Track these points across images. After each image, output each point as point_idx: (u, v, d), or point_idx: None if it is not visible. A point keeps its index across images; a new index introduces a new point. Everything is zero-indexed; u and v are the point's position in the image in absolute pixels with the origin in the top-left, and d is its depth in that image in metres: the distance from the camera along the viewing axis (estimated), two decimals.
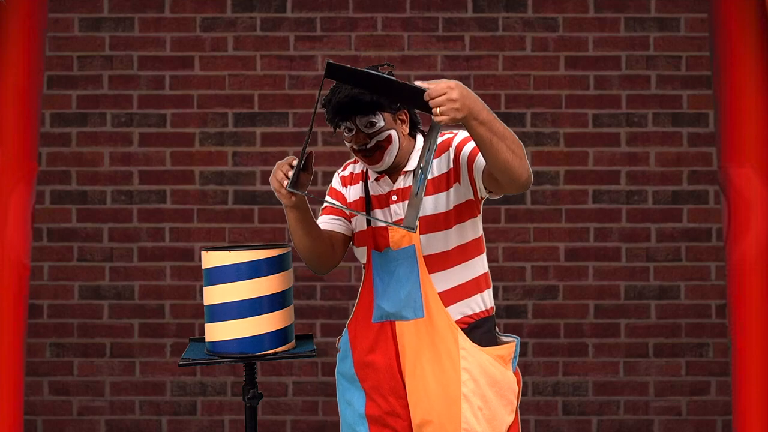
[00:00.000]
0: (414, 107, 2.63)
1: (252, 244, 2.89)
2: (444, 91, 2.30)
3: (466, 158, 2.61)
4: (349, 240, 2.82)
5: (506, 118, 4.84)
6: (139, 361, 4.82)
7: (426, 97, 2.31)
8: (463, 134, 2.65)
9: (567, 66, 4.84)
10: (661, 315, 4.82)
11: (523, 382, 4.80)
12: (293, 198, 2.55)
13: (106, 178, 4.83)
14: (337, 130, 2.67)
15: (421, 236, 2.63)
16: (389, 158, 2.64)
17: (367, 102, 2.56)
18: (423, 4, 4.84)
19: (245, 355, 2.71)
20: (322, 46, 4.83)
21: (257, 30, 4.84)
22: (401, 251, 2.65)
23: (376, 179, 2.74)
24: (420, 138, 2.73)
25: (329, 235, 2.76)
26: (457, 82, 2.33)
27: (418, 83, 2.33)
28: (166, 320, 4.82)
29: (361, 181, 2.78)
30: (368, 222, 2.72)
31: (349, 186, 2.82)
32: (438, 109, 2.31)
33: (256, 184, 4.82)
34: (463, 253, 2.64)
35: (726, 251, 3.55)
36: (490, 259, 4.79)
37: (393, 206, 2.69)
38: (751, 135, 3.44)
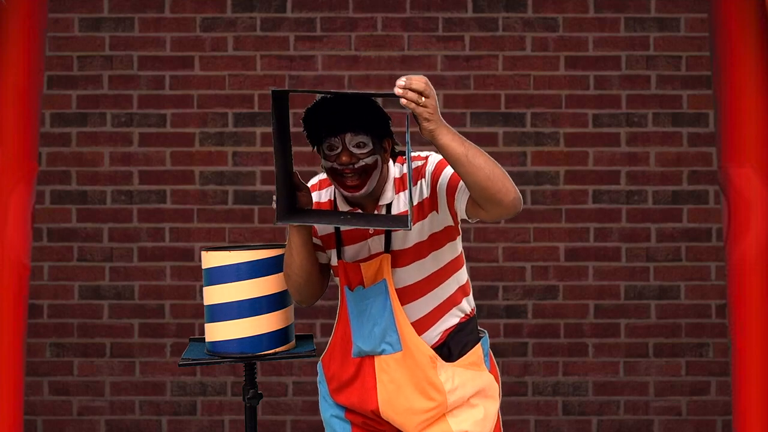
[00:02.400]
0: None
1: (252, 244, 2.90)
2: (419, 91, 2.19)
3: (445, 186, 2.47)
4: (328, 270, 2.72)
5: (506, 118, 4.87)
6: (139, 361, 4.82)
7: (400, 93, 2.18)
8: (434, 159, 2.50)
9: (567, 66, 4.84)
10: (661, 315, 4.82)
11: (523, 382, 4.83)
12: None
13: (106, 178, 4.83)
14: (316, 147, 2.49)
15: (394, 269, 2.52)
16: (371, 185, 2.46)
17: (362, 120, 2.40)
18: (423, 4, 4.84)
19: (245, 355, 2.71)
20: (322, 46, 4.82)
21: (257, 30, 4.84)
22: (372, 288, 2.55)
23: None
24: (392, 167, 2.55)
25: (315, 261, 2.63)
26: (434, 109, 2.22)
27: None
28: (166, 320, 4.82)
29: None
30: (338, 255, 2.59)
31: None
32: (415, 107, 2.19)
33: (256, 184, 4.82)
34: (437, 278, 2.57)
35: (726, 251, 3.55)
36: (490, 259, 4.81)
37: (370, 240, 2.57)
38: (751, 135, 3.44)
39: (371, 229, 2.53)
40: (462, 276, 2.65)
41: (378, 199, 2.54)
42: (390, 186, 2.54)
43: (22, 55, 3.41)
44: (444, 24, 4.84)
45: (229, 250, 2.72)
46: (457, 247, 2.62)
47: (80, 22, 4.83)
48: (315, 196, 2.64)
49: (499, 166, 2.31)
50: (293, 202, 2.47)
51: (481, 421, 2.62)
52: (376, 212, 2.55)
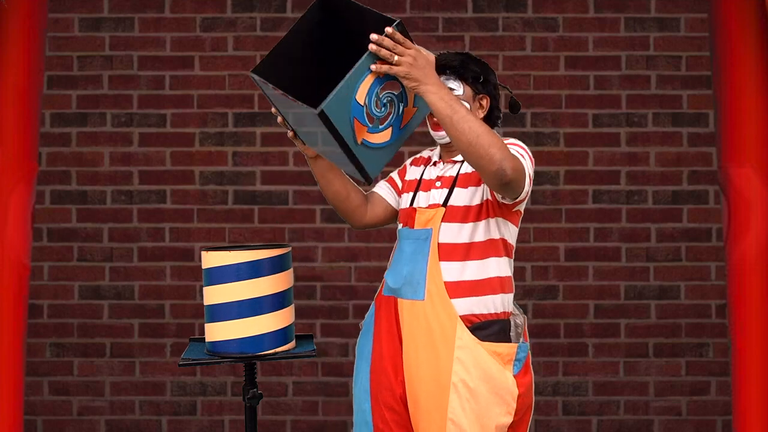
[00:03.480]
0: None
1: (252, 244, 2.90)
2: (407, 51, 2.35)
3: None
4: (392, 210, 2.88)
5: (506, 118, 4.86)
6: (139, 361, 4.82)
7: (382, 42, 2.33)
8: (512, 141, 2.64)
9: (567, 66, 4.84)
10: (661, 315, 4.82)
11: None
12: (308, 151, 2.71)
13: (106, 178, 4.83)
14: None
15: (442, 224, 2.65)
16: None
17: (459, 63, 2.64)
18: (423, 4, 4.84)
19: (245, 355, 2.71)
20: None
21: (257, 30, 4.84)
22: (416, 231, 2.68)
23: (434, 164, 2.79)
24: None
25: (372, 196, 2.88)
26: (412, 60, 2.35)
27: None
28: (166, 320, 4.82)
29: (423, 165, 2.84)
30: (411, 201, 2.76)
31: (414, 166, 2.87)
32: (394, 57, 2.33)
33: (256, 184, 4.83)
34: (477, 251, 2.64)
35: (726, 251, 3.55)
36: None
37: (433, 191, 2.72)
38: (751, 135, 3.44)
39: (438, 182, 2.71)
40: (503, 267, 2.68)
41: (456, 154, 2.71)
42: None
43: (22, 55, 3.41)
44: (444, 24, 4.84)
45: (229, 250, 2.72)
46: (501, 229, 2.67)
47: (80, 22, 4.83)
48: (428, 152, 2.88)
49: (492, 136, 2.38)
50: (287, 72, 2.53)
51: (471, 413, 2.60)
52: (449, 165, 2.73)
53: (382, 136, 2.51)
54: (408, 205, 2.76)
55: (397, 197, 2.89)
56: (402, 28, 2.39)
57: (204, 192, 4.83)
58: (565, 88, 4.84)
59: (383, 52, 2.34)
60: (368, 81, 2.41)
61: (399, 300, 2.70)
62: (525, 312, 4.84)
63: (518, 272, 4.84)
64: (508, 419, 2.64)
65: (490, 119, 2.75)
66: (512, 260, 2.74)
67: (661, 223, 4.83)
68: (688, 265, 4.83)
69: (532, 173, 2.59)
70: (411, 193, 2.78)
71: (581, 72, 4.84)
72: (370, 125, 2.47)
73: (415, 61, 2.35)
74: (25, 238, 3.45)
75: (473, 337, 2.61)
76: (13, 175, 3.40)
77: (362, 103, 2.43)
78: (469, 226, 2.64)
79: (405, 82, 2.37)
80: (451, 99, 2.38)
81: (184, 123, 4.84)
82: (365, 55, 2.37)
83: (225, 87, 4.83)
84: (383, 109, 2.47)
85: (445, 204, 2.66)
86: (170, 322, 4.82)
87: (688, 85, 4.83)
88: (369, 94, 2.42)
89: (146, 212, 4.83)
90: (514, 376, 2.65)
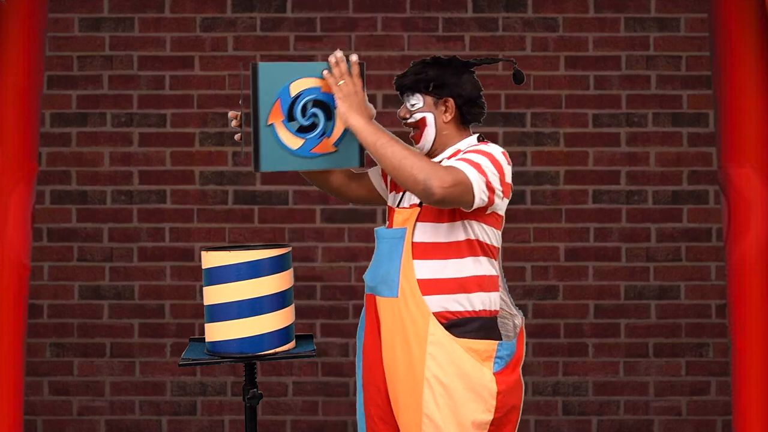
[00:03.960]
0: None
1: (252, 244, 2.90)
2: (352, 83, 2.63)
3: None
4: (377, 194, 3.00)
5: (506, 118, 4.87)
6: (139, 361, 4.82)
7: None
8: (474, 148, 2.68)
9: (567, 66, 4.84)
10: (661, 315, 4.82)
11: (524, 382, 4.82)
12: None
13: (106, 178, 4.83)
14: None
15: (417, 223, 2.70)
16: (425, 141, 2.75)
17: (410, 81, 2.74)
18: (423, 4, 4.84)
19: (245, 355, 2.72)
20: (322, 46, 4.83)
21: (257, 30, 4.84)
22: (391, 231, 2.75)
23: None
24: (468, 139, 2.78)
25: (364, 175, 3.00)
26: (353, 94, 2.62)
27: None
28: (166, 320, 4.82)
29: None
30: (395, 202, 2.85)
31: None
32: (340, 81, 2.63)
33: (256, 184, 4.83)
34: (451, 250, 2.68)
35: (726, 251, 3.55)
36: None
37: (407, 193, 2.79)
38: (751, 135, 3.44)
39: None
40: (482, 267, 2.70)
41: (437, 155, 2.77)
42: (448, 152, 2.74)
43: (22, 55, 3.41)
44: (444, 24, 4.84)
45: (229, 250, 2.72)
46: (476, 230, 2.69)
47: (80, 22, 4.83)
48: None
49: (417, 160, 2.54)
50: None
51: (444, 410, 2.64)
52: None
53: (292, 139, 2.63)
54: (393, 205, 2.82)
55: (384, 186, 2.97)
56: (362, 69, 2.66)
57: (204, 192, 4.83)
58: (565, 88, 4.84)
59: (335, 71, 2.64)
60: (310, 82, 2.62)
61: (377, 298, 2.76)
62: (525, 312, 4.84)
63: (518, 272, 4.86)
64: (487, 416, 2.65)
65: (465, 117, 2.77)
66: (496, 260, 2.75)
67: (661, 223, 4.83)
68: (688, 265, 4.82)
69: (494, 181, 2.61)
70: (395, 194, 2.84)
71: (581, 72, 4.84)
72: (287, 120, 2.60)
73: (354, 95, 2.62)
74: (25, 238, 3.44)
75: (447, 333, 2.64)
76: (13, 175, 3.40)
77: (292, 95, 2.59)
78: (444, 226, 2.68)
79: (338, 104, 2.60)
80: (376, 129, 2.59)
81: (184, 123, 4.84)
82: (324, 63, 2.61)
83: (225, 87, 4.83)
84: (305, 118, 2.62)
85: (421, 204, 2.70)
86: (170, 322, 4.82)
87: (688, 85, 4.83)
88: (303, 94, 2.60)
89: (146, 212, 4.83)
90: (495, 374, 2.66)
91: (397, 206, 2.79)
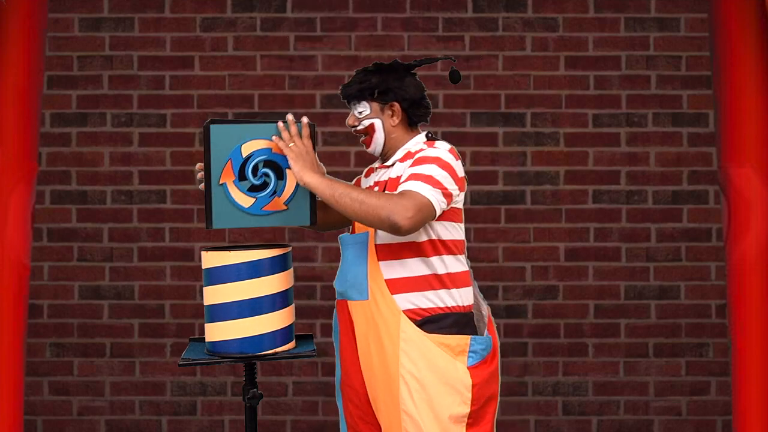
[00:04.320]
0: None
1: (252, 244, 2.90)
2: (302, 145, 2.69)
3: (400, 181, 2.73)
4: (346, 219, 3.01)
5: (506, 118, 4.87)
6: (139, 361, 4.82)
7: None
8: (427, 153, 2.73)
9: (567, 66, 4.84)
10: (661, 315, 4.82)
11: (523, 382, 4.83)
12: None
13: (106, 178, 4.83)
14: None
15: None
16: (375, 146, 2.85)
17: (355, 90, 2.82)
18: (423, 4, 4.84)
19: (245, 355, 2.72)
20: (322, 46, 4.83)
21: (257, 30, 4.84)
22: (354, 236, 2.81)
23: (376, 170, 2.94)
24: (416, 138, 2.85)
25: None
26: (304, 154, 2.69)
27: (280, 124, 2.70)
28: (166, 320, 4.82)
29: (371, 174, 2.99)
30: None
31: (365, 177, 3.03)
32: (290, 143, 2.69)
33: None
34: (414, 249, 2.74)
35: (726, 251, 3.54)
36: (490, 259, 4.81)
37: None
38: (751, 135, 3.44)
39: (376, 188, 2.85)
40: (448, 264, 2.76)
41: (389, 159, 2.86)
42: (399, 153, 2.82)
43: (22, 55, 3.41)
44: (444, 24, 4.84)
45: (229, 250, 2.72)
46: (437, 230, 2.75)
47: (80, 22, 4.83)
48: (363, 183, 3.03)
49: (375, 199, 2.60)
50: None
51: (419, 406, 2.68)
52: (383, 169, 2.87)
53: (243, 198, 2.70)
54: None
55: None
56: (312, 130, 2.72)
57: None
58: (565, 88, 4.84)
59: (284, 135, 2.70)
60: (261, 143, 2.69)
61: (348, 302, 2.82)
62: (525, 312, 4.85)
63: (518, 272, 4.86)
64: (464, 408, 2.71)
65: (411, 118, 2.85)
66: (462, 256, 2.82)
67: (661, 223, 4.83)
68: (688, 265, 4.83)
69: (449, 186, 2.67)
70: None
71: (581, 72, 4.84)
72: (238, 179, 2.68)
73: (306, 155, 2.69)
74: (25, 238, 3.44)
75: (419, 330, 2.70)
76: (13, 175, 3.40)
77: (243, 155, 2.68)
78: None
79: (291, 164, 2.67)
80: (330, 183, 2.66)
81: (184, 123, 4.83)
82: (275, 124, 2.68)
83: (225, 87, 4.83)
84: (256, 177, 2.69)
85: None
86: (170, 322, 4.82)
87: (688, 85, 4.83)
88: (254, 154, 2.68)
89: (146, 212, 4.83)
90: (470, 368, 2.71)
91: None
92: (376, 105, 2.83)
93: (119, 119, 4.84)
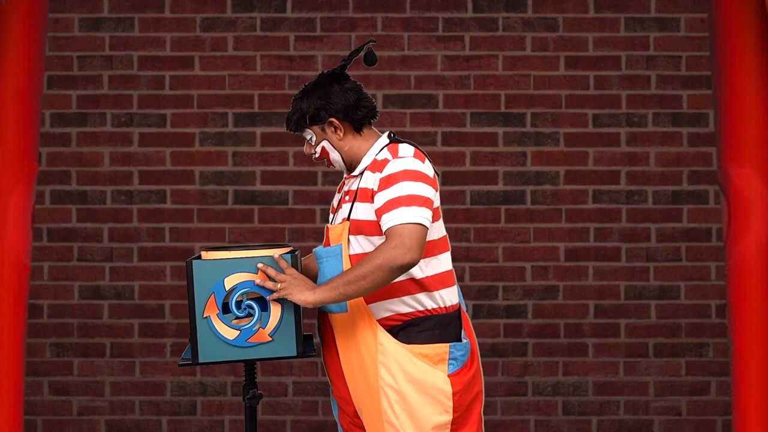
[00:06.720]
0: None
1: (252, 244, 2.90)
2: (286, 278, 2.65)
3: (376, 208, 2.69)
4: None
5: (506, 118, 4.87)
6: (139, 361, 4.82)
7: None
8: (393, 167, 2.68)
9: (567, 66, 4.84)
10: (661, 315, 4.82)
11: (523, 382, 4.83)
12: None
13: (106, 178, 4.83)
14: None
15: (350, 236, 2.73)
16: (336, 164, 2.86)
17: (293, 123, 2.84)
18: (423, 4, 4.84)
19: None
20: (322, 46, 4.83)
21: (257, 30, 4.84)
22: (329, 249, 2.76)
23: (344, 182, 2.91)
24: (378, 142, 2.81)
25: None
26: (295, 283, 2.64)
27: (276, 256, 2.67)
28: (166, 320, 4.82)
29: (342, 189, 2.95)
30: (329, 220, 2.92)
31: (338, 193, 2.96)
32: (277, 285, 2.65)
33: (256, 184, 4.83)
34: None
35: (726, 251, 3.54)
36: (490, 259, 4.82)
37: (344, 206, 2.82)
38: (751, 135, 3.43)
39: (347, 197, 2.81)
40: (417, 270, 2.70)
41: (356, 168, 2.83)
42: (365, 161, 2.79)
43: (22, 55, 3.41)
44: (444, 24, 4.84)
45: (229, 250, 2.72)
46: None
47: (80, 22, 4.83)
48: (335, 198, 2.96)
49: (373, 261, 2.55)
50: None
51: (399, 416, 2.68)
52: (352, 180, 2.83)
53: (228, 331, 2.67)
54: (328, 224, 2.87)
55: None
56: (292, 259, 2.70)
57: (204, 192, 4.83)
58: (565, 88, 4.84)
59: (270, 272, 2.65)
60: (244, 276, 2.66)
61: (329, 315, 2.79)
62: (525, 312, 4.85)
63: (518, 272, 4.86)
64: (445, 417, 2.70)
65: (355, 124, 2.81)
66: (443, 254, 2.78)
67: (661, 223, 4.83)
68: (688, 265, 4.83)
69: (427, 194, 2.65)
70: (331, 215, 2.90)
71: (581, 72, 4.84)
72: (222, 312, 2.65)
73: (295, 283, 2.64)
74: (25, 238, 3.44)
75: (395, 342, 2.69)
76: (13, 175, 3.40)
77: (226, 289, 2.65)
78: (376, 238, 2.70)
79: (290, 299, 2.63)
80: (330, 287, 2.60)
81: (184, 123, 4.84)
82: (257, 258, 2.67)
83: (225, 87, 4.83)
84: (240, 310, 2.67)
85: (349, 218, 2.74)
86: (170, 322, 4.82)
87: (688, 85, 4.83)
88: (237, 287, 2.65)
89: (146, 212, 4.83)
90: (450, 375, 2.70)
91: (330, 224, 2.84)
92: (316, 128, 2.82)
93: (119, 119, 4.84)
